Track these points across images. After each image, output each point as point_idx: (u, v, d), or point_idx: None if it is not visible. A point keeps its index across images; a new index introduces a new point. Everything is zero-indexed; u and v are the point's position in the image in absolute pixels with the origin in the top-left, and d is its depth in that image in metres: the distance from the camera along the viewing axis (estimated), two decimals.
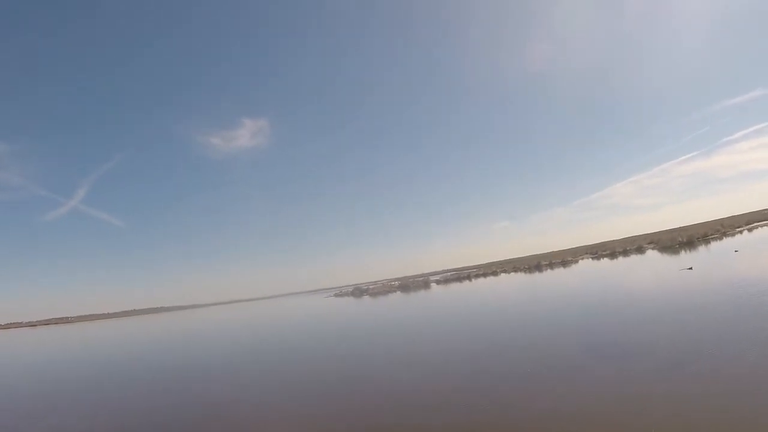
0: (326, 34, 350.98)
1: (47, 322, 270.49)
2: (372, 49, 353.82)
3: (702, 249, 59.76)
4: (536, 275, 72.42)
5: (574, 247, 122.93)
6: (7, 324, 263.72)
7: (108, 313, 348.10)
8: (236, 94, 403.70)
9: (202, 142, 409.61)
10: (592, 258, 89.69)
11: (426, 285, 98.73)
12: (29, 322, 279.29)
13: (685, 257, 51.57)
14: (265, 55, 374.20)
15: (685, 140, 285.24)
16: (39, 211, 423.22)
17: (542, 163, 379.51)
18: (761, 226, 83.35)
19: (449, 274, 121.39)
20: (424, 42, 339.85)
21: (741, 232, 79.21)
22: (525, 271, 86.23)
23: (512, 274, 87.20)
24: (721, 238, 71.93)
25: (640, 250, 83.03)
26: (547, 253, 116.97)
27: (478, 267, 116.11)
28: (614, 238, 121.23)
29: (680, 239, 77.12)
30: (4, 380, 30.79)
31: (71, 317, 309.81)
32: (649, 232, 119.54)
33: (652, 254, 69.33)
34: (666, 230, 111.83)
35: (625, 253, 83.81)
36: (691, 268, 37.69)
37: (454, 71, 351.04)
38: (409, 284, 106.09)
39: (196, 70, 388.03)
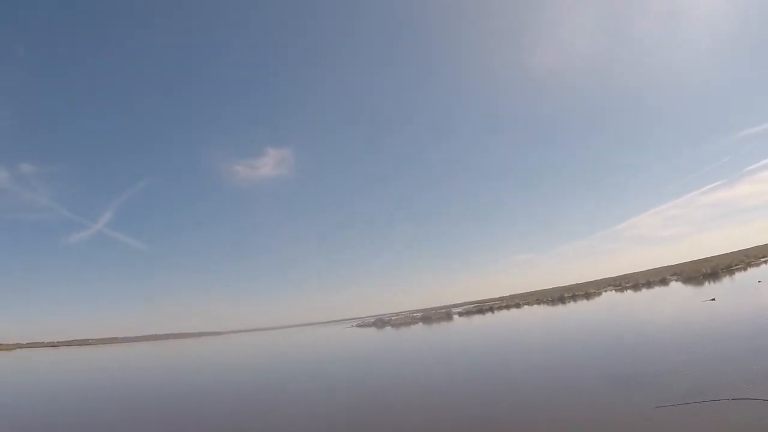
0: (351, 63, 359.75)
1: (68, 344, 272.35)
2: (398, 80, 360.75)
3: (726, 280, 59.85)
4: (559, 307, 72.75)
5: (597, 279, 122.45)
6: (29, 343, 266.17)
7: (129, 337, 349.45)
8: (261, 123, 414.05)
9: (226, 170, 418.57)
10: (615, 290, 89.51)
11: (448, 317, 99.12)
12: (50, 342, 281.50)
13: (709, 288, 51.83)
14: (290, 83, 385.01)
15: (707, 170, 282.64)
16: (64, 232, 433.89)
17: (564, 196, 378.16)
18: None
19: (471, 306, 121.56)
20: (453, 72, 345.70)
21: (766, 261, 78.76)
22: (547, 303, 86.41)
23: (534, 306, 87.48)
24: (745, 269, 71.74)
25: (663, 282, 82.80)
26: (570, 285, 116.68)
27: (501, 299, 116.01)
28: (637, 270, 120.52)
29: (704, 270, 76.93)
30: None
31: (92, 339, 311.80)
32: (672, 263, 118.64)
33: (675, 286, 69.36)
34: (690, 261, 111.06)
35: (649, 285, 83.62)
36: (714, 299, 38.17)
37: (485, 104, 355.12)
38: (431, 316, 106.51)
39: (222, 99, 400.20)
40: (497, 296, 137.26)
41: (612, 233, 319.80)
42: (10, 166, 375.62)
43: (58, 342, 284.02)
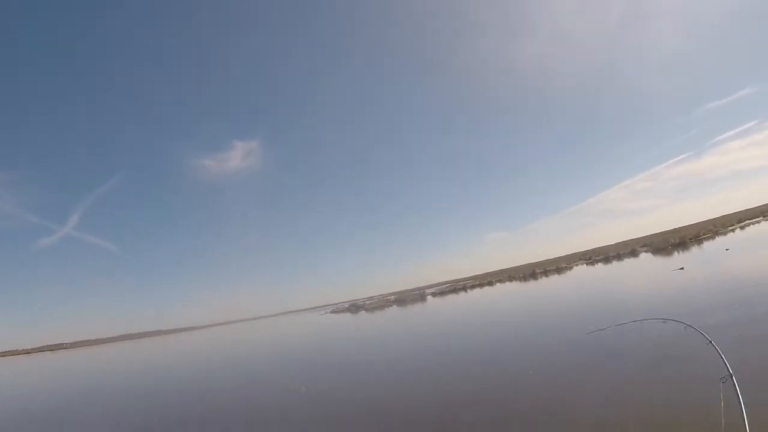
0: (312, 55, 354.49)
1: (42, 349, 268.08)
2: (360, 69, 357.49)
3: (694, 249, 59.78)
4: (531, 283, 72.26)
5: (568, 254, 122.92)
6: (3, 352, 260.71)
7: (104, 338, 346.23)
8: (227, 116, 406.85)
9: (194, 165, 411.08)
10: (587, 264, 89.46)
11: (422, 298, 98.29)
12: (25, 349, 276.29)
13: (678, 258, 51.49)
14: (255, 75, 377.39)
15: (674, 142, 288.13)
16: (32, 238, 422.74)
17: (532, 172, 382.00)
18: (753, 223, 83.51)
19: (445, 286, 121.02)
20: (413, 62, 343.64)
21: (733, 230, 79.31)
22: (520, 280, 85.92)
23: (507, 283, 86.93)
24: (713, 238, 71.97)
25: (633, 253, 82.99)
26: (542, 261, 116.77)
27: (474, 278, 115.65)
28: (608, 243, 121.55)
29: (673, 241, 77.15)
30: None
31: (67, 343, 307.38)
32: (642, 235, 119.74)
33: (645, 257, 69.34)
34: (659, 233, 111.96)
35: (619, 257, 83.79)
36: (682, 268, 37.54)
37: (445, 85, 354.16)
38: (405, 298, 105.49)
39: (186, 92, 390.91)
40: (471, 275, 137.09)
41: (582, 208, 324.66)
42: None
43: (32, 349, 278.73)
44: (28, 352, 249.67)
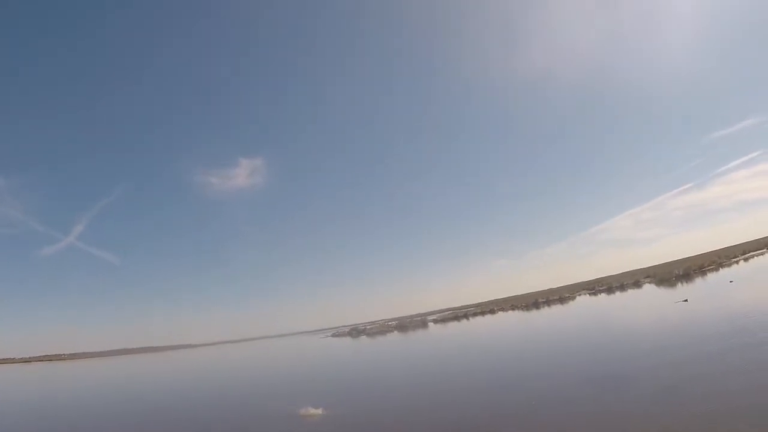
0: (315, 70, 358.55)
1: (41, 359, 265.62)
2: (363, 83, 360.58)
3: (698, 281, 59.50)
4: (533, 313, 71.58)
5: (571, 283, 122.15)
6: (1, 359, 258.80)
7: (101, 351, 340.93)
8: (233, 134, 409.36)
9: (199, 181, 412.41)
10: (590, 294, 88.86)
11: (423, 324, 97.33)
12: (23, 358, 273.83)
13: (681, 290, 51.16)
14: (260, 93, 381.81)
15: (679, 172, 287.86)
16: (36, 246, 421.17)
17: (538, 200, 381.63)
18: (756, 255, 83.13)
19: (447, 313, 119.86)
20: (417, 77, 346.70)
21: (737, 262, 78.95)
22: (522, 309, 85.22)
23: (510, 312, 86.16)
24: (717, 269, 71.61)
25: (637, 284, 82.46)
26: (545, 290, 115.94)
27: (476, 306, 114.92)
28: (612, 273, 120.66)
29: (677, 272, 76.70)
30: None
31: (65, 354, 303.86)
32: (646, 266, 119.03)
33: (648, 288, 68.84)
34: (663, 263, 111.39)
35: (622, 287, 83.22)
36: (686, 300, 37.32)
37: (447, 106, 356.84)
38: (406, 324, 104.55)
39: (194, 108, 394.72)
40: (473, 303, 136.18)
41: (586, 236, 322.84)
42: None
43: (30, 358, 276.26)
44: (27, 361, 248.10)
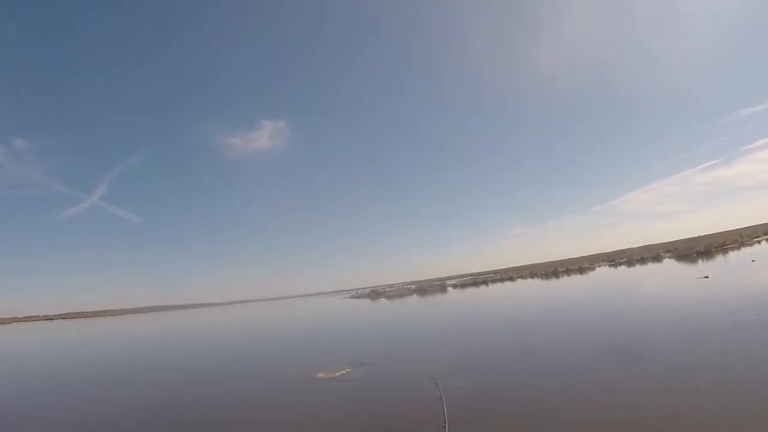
0: (343, 35, 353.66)
1: (64, 317, 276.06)
2: (386, 56, 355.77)
3: (719, 258, 60.20)
4: (552, 281, 73.29)
5: (591, 254, 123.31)
6: (25, 317, 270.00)
7: (123, 309, 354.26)
8: (256, 95, 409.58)
9: (221, 142, 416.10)
10: (609, 265, 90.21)
11: (443, 289, 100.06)
12: (46, 315, 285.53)
13: (702, 266, 52.19)
14: (284, 55, 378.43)
15: (704, 148, 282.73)
16: (59, 207, 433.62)
17: (558, 169, 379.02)
18: None
19: (466, 278, 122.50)
20: (439, 51, 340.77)
21: (759, 242, 79.26)
22: (541, 277, 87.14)
23: (529, 279, 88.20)
24: (739, 248, 72.20)
25: (657, 258, 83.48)
26: (564, 259, 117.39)
27: (495, 272, 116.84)
28: (632, 246, 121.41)
29: (697, 248, 77.38)
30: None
31: (88, 312, 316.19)
32: (666, 240, 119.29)
33: (668, 263, 69.84)
34: (684, 239, 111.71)
35: (642, 261, 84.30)
36: (707, 277, 38.39)
37: (467, 79, 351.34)
38: (425, 288, 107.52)
39: (216, 70, 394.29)
40: (492, 269, 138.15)
41: (607, 208, 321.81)
42: (4, 142, 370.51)
43: (54, 315, 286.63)
44: (50, 319, 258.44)
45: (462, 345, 23.35)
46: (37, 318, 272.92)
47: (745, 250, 65.88)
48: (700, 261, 60.65)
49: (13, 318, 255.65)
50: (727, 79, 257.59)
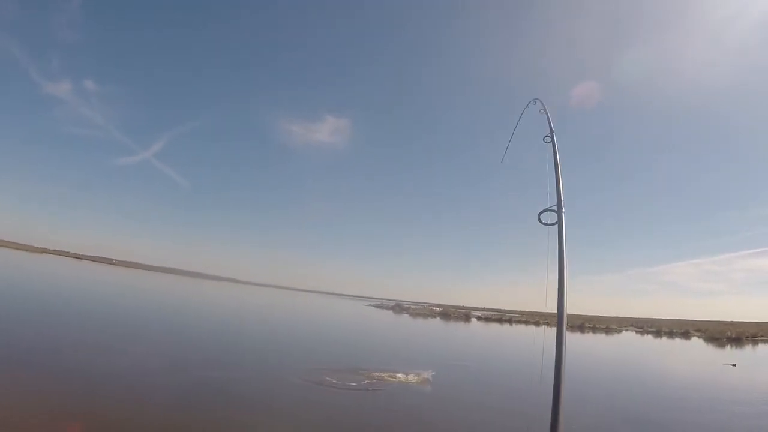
0: (419, 44, 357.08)
1: (92, 259, 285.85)
2: (452, 69, 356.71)
3: (748, 348, 60.68)
4: (577, 335, 74.58)
5: (620, 315, 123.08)
6: (55, 250, 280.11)
7: (150, 265, 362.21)
8: (324, 88, 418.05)
9: (281, 127, 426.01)
10: (636, 331, 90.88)
11: (467, 317, 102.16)
12: (75, 254, 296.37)
13: (730, 352, 53.04)
14: (359, 56, 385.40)
15: (752, 234, 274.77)
16: (114, 153, 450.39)
17: (603, 226, 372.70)
18: None
19: (491, 312, 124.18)
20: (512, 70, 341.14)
21: None
22: (567, 329, 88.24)
23: (553, 328, 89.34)
24: None
25: (685, 334, 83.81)
26: (593, 316, 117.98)
27: (522, 313, 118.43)
28: (662, 317, 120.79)
29: (729, 333, 77.71)
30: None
31: (116, 260, 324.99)
32: (698, 318, 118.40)
33: (696, 341, 70.49)
34: (716, 321, 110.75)
35: (671, 334, 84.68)
36: (734, 365, 39.43)
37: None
38: (449, 313, 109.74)
39: (290, 55, 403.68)
40: (519, 309, 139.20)
41: (644, 274, 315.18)
42: (75, 80, 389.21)
43: (83, 255, 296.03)
44: (78, 257, 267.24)
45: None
46: (66, 254, 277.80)
47: None
48: (728, 346, 61.28)
49: (43, 249, 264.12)
50: None
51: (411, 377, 19.06)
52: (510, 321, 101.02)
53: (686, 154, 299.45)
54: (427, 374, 19.52)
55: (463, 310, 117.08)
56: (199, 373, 16.58)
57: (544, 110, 6.24)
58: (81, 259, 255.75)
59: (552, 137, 5.74)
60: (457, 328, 72.50)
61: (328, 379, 17.13)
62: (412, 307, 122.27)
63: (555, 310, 4.76)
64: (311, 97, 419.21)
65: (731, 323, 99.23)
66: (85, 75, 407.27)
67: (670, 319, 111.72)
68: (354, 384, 16.91)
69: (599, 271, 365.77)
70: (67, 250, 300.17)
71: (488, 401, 18.05)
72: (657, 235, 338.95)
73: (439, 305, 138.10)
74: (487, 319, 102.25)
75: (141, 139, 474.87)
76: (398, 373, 19.43)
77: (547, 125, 5.96)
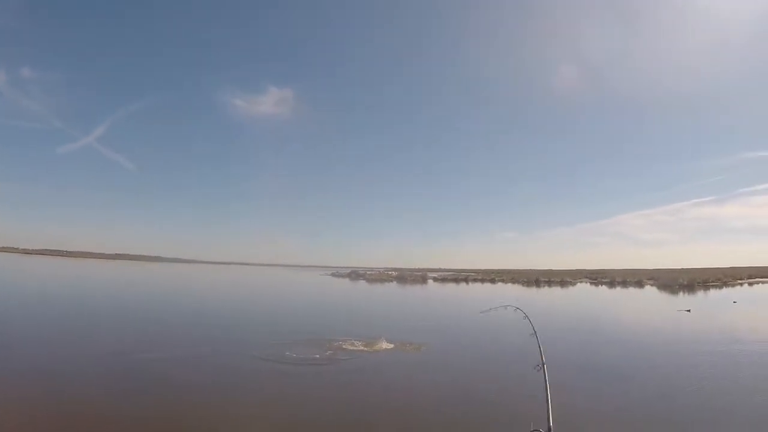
0: (356, 15, 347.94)
1: (42, 252, 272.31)
2: (400, 39, 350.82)
3: (700, 294, 60.56)
4: (533, 290, 73.39)
5: (573, 268, 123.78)
6: (2, 248, 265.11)
7: (103, 253, 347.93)
8: (266, 59, 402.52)
9: (224, 101, 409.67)
10: (591, 283, 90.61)
11: (423, 280, 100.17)
12: (24, 249, 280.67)
13: (684, 299, 52.36)
14: (299, 25, 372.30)
15: (700, 183, 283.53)
16: (54, 142, 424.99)
17: (555, 181, 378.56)
18: (763, 282, 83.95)
19: (448, 273, 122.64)
20: (450, 44, 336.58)
21: (741, 284, 79.89)
22: (522, 284, 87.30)
23: (509, 284, 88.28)
24: (721, 287, 72.71)
25: (639, 284, 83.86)
26: (547, 270, 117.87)
27: (477, 272, 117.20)
28: (615, 267, 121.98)
29: (681, 281, 77.91)
30: None
31: (66, 251, 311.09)
32: (650, 267, 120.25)
33: (650, 290, 70.26)
34: (668, 269, 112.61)
35: (624, 284, 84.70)
36: (689, 311, 38.38)
37: (477, 77, 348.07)
38: (405, 276, 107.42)
39: (230, 29, 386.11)
40: (474, 268, 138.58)
41: (595, 227, 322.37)
42: (11, 70, 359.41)
43: (32, 250, 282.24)
44: (27, 253, 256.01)
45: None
46: (15, 250, 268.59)
47: (727, 290, 66.37)
48: (681, 293, 60.94)
49: None
50: (732, 119, 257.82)
51: (368, 346, 18.83)
52: (466, 280, 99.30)
53: (634, 107, 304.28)
54: (385, 342, 19.24)
55: (419, 273, 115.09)
56: (142, 355, 16.09)
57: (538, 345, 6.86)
58: (30, 254, 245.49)
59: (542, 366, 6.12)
60: (413, 291, 69.86)
61: (287, 353, 16.70)
62: (368, 273, 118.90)
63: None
64: (252, 69, 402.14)
65: (683, 270, 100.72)
66: (20, 63, 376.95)
67: (623, 269, 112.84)
68: (317, 356, 16.65)
69: (556, 224, 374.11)
70: (15, 246, 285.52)
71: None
72: (606, 188, 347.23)
73: (395, 269, 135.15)
74: (443, 280, 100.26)
75: (82, 125, 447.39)
76: (356, 341, 19.45)
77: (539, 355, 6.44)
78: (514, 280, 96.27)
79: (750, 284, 79.82)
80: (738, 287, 72.73)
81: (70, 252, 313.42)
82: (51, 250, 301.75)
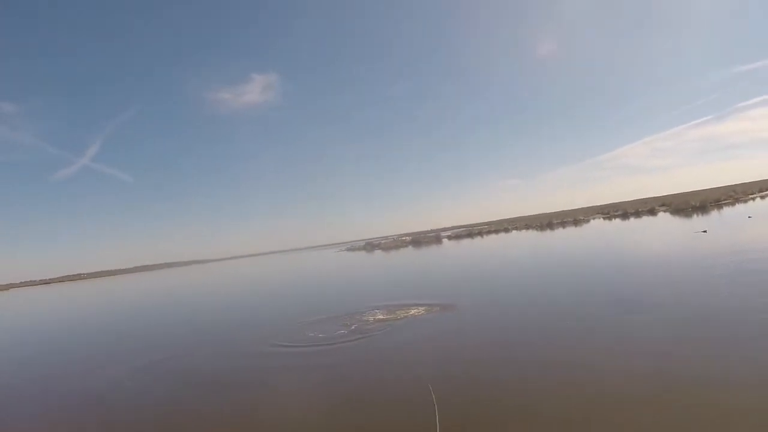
0: None
1: (61, 280, 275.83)
2: (383, 7, 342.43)
3: (714, 213, 60.60)
4: (547, 233, 73.75)
5: (585, 206, 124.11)
6: (23, 282, 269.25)
7: (121, 269, 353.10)
8: (245, 49, 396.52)
9: (211, 97, 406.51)
10: (604, 218, 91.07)
11: (438, 240, 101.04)
12: (42, 279, 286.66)
13: (698, 221, 52.56)
14: (274, 8, 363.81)
15: (698, 103, 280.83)
16: (51, 169, 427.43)
17: (552, 122, 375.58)
18: None
19: (460, 230, 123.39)
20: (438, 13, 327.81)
21: (753, 199, 79.98)
22: (537, 229, 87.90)
23: (523, 231, 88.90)
24: (733, 204, 72.85)
25: (652, 212, 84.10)
26: (558, 211, 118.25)
27: (489, 224, 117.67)
28: (625, 200, 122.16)
29: (693, 203, 78.06)
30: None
31: (84, 273, 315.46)
32: (660, 194, 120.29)
33: (664, 216, 70.40)
34: (678, 193, 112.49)
35: (637, 214, 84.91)
36: (705, 231, 38.81)
37: (466, 27, 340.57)
38: (420, 239, 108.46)
39: (204, 25, 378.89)
40: (486, 221, 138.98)
41: (599, 161, 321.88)
42: None
43: (50, 279, 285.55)
44: (47, 283, 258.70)
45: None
46: (34, 283, 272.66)
47: (740, 207, 66.46)
48: (695, 216, 61.03)
49: (9, 284, 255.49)
50: (722, 35, 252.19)
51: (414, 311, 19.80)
52: (480, 234, 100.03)
53: (615, 48, 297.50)
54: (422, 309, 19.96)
55: (432, 234, 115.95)
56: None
57: None
58: (50, 283, 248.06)
59: None
60: (429, 252, 70.70)
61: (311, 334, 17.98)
62: (382, 242, 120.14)
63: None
64: (233, 60, 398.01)
65: (693, 192, 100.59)
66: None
67: (634, 200, 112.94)
68: (343, 332, 17.67)
69: (557, 165, 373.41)
70: (33, 279, 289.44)
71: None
72: (605, 121, 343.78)
73: (409, 234, 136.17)
74: (457, 237, 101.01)
75: (74, 147, 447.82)
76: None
77: None
78: (527, 226, 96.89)
79: (762, 197, 79.89)
80: (751, 202, 72.77)
81: (90, 273, 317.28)
82: (72, 276, 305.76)
